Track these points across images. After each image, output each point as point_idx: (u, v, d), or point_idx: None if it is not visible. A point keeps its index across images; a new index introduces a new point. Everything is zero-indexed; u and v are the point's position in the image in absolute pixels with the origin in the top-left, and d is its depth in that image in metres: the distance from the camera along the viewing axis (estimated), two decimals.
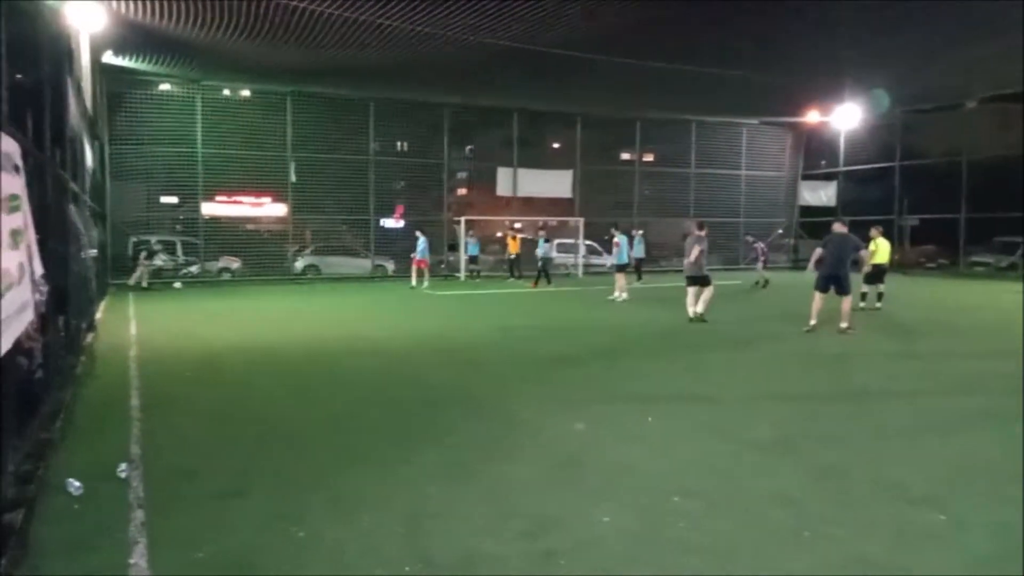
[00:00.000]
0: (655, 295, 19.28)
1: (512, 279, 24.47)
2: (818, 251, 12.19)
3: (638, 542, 3.89)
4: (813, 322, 11.95)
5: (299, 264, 25.13)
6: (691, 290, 13.47)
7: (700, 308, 13.28)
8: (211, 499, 4.52)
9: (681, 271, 14.49)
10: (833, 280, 11.88)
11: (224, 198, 24.50)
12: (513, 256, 24.92)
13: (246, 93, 24.40)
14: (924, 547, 3.84)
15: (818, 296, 12.03)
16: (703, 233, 13.58)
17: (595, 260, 29.26)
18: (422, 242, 21.71)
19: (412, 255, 21.86)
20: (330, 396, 7.58)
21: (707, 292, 13.34)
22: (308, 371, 9.00)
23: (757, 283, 21.42)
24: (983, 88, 24.80)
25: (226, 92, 24.01)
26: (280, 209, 25.14)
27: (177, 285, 20.56)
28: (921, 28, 16.22)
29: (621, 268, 18.39)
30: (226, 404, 7.22)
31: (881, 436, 6.00)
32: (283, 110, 24.05)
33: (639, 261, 23.88)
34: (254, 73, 21.01)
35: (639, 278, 23.45)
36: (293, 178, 24.48)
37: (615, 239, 18.56)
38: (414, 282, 21.62)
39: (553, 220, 31.00)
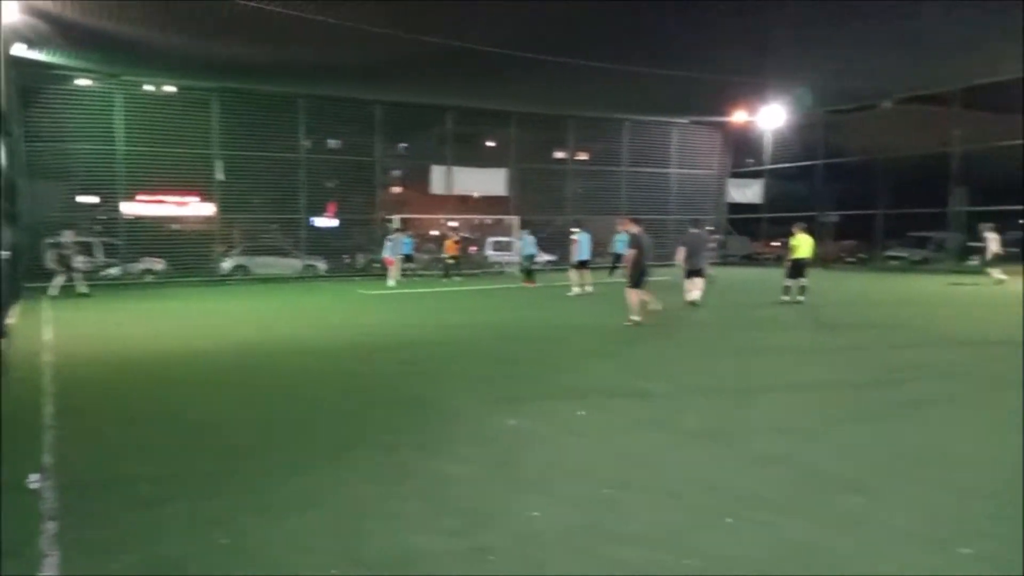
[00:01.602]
0: (595, 291, 19.45)
1: (447, 279, 24.37)
2: (632, 252, 12.60)
3: (570, 535, 3.90)
4: (653, 307, 12.79)
5: (227, 264, 24.47)
6: (689, 281, 15.20)
7: (697, 296, 15.01)
8: (131, 507, 4.33)
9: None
10: (644, 275, 12.54)
11: (147, 197, 23.64)
12: (449, 257, 25.03)
13: (170, 89, 23.60)
14: (845, 528, 3.97)
15: (637, 292, 12.49)
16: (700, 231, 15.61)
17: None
18: (391, 241, 22.60)
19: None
20: (259, 399, 7.38)
21: (701, 282, 15.27)
22: (235, 374, 8.76)
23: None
24: (899, 89, 25.87)
25: (149, 87, 23.17)
26: (207, 208, 24.40)
27: (83, 289, 18.74)
28: (841, 29, 16.81)
29: (582, 265, 18.67)
30: (148, 410, 6.94)
31: (807, 424, 6.19)
32: (209, 107, 23.35)
33: (617, 258, 24.01)
34: (178, 68, 20.33)
35: (611, 273, 23.54)
36: (220, 176, 23.79)
37: (574, 237, 18.94)
38: (389, 281, 22.10)
39: (488, 218, 31.02)
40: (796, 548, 3.72)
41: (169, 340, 11.33)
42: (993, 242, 21.20)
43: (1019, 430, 5.76)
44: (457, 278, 24.41)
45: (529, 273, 22.13)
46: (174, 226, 25.24)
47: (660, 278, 22.79)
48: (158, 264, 23.34)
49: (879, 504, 4.30)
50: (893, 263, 27.85)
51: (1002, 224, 26.77)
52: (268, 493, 4.55)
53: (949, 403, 6.97)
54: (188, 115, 23.23)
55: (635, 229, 12.73)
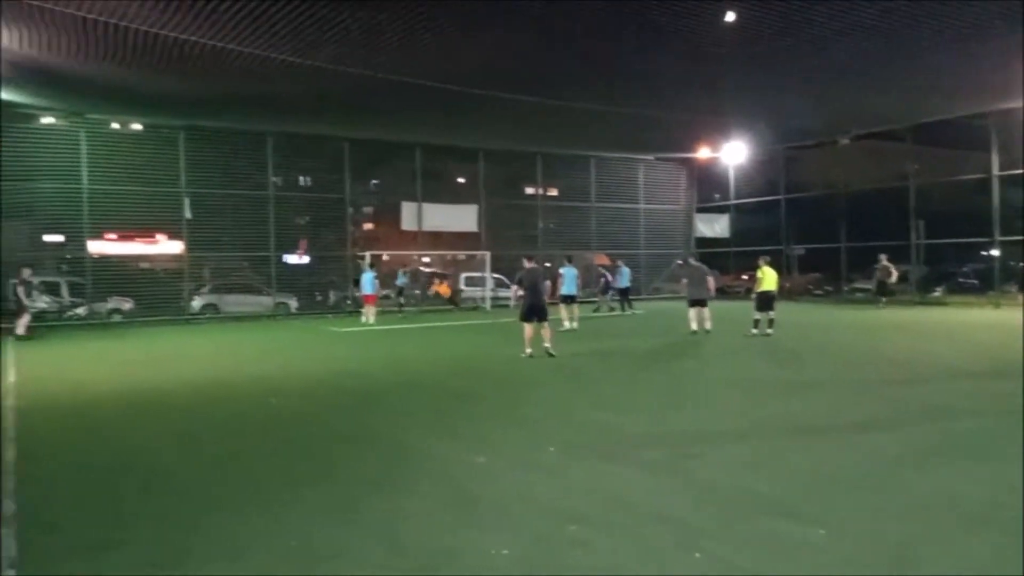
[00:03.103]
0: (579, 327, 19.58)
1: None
2: (515, 287, 13.12)
3: (534, 573, 3.93)
4: (529, 350, 12.70)
5: (196, 303, 24.25)
6: (693, 311, 16.30)
7: (708, 325, 16.26)
8: (84, 552, 4.29)
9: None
10: (536, 310, 12.80)
11: (114, 236, 23.42)
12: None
13: (136, 127, 23.56)
14: (796, 557, 4.05)
15: (527, 326, 12.83)
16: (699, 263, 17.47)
17: (503, 293, 29.46)
18: (367, 276, 22.25)
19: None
20: (219, 439, 7.33)
21: (707, 311, 16.33)
22: (198, 415, 8.68)
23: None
24: (855, 126, 26.63)
25: (115, 126, 23.10)
26: (175, 246, 24.23)
27: (19, 331, 17.69)
28: (797, 69, 17.33)
29: (567, 299, 18.61)
30: (108, 453, 6.86)
31: (760, 454, 6.29)
32: (176, 144, 23.31)
33: (625, 291, 24.28)
34: (144, 106, 20.35)
35: (623, 308, 23.95)
36: (188, 214, 23.67)
37: (559, 271, 19.10)
38: (369, 318, 21.77)
39: (461, 254, 31.10)
40: None
41: (132, 381, 11.20)
42: (886, 271, 24.16)
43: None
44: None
45: (623, 304, 23.81)
46: (142, 265, 25.02)
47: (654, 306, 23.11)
48: (126, 303, 23.04)
49: (830, 533, 4.39)
50: (858, 295, 28.31)
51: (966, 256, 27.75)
52: (222, 535, 4.53)
53: (876, 429, 7.13)
54: (155, 153, 23.18)
55: (528, 265, 13.23)
